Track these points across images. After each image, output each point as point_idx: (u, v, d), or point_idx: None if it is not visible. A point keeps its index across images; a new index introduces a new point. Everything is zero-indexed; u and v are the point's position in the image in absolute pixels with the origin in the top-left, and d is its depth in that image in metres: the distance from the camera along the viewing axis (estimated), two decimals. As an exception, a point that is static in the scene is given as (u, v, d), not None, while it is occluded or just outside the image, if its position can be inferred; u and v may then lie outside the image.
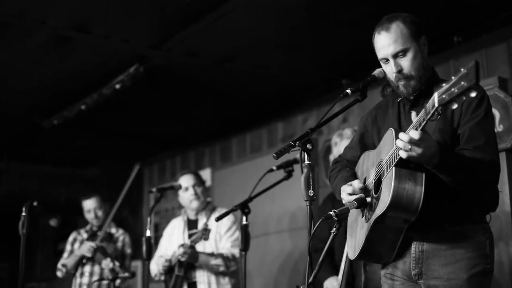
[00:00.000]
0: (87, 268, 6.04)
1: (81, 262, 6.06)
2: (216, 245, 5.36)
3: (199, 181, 5.54)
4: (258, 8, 5.04)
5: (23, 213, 5.28)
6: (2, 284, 10.54)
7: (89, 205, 6.30)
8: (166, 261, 5.25)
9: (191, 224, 5.54)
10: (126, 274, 5.44)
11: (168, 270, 5.29)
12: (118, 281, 5.49)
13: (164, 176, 9.55)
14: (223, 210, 5.30)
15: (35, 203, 5.41)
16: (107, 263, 5.78)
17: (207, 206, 5.58)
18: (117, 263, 5.78)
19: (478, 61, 2.29)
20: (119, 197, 5.88)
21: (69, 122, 7.45)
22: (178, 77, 6.51)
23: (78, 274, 6.09)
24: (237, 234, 5.37)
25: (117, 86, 6.32)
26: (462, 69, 2.31)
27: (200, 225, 5.42)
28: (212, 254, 5.25)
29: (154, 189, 5.39)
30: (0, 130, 8.12)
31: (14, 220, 5.49)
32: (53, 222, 5.92)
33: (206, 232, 4.99)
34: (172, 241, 5.54)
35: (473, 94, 2.29)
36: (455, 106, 2.36)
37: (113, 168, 5.78)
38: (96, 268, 6.01)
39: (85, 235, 6.28)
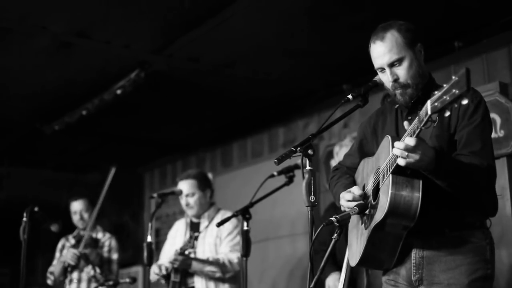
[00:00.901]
0: (74, 275, 5.93)
1: (66, 269, 5.96)
2: (216, 249, 5.30)
3: (195, 189, 5.39)
4: (259, 13, 5.05)
5: (24, 219, 5.27)
6: (3, 289, 10.54)
7: (76, 206, 6.20)
8: (160, 267, 5.21)
9: (193, 226, 5.48)
10: (126, 280, 5.40)
11: (167, 276, 5.26)
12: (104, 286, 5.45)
13: (165, 181, 9.55)
14: (228, 213, 5.27)
15: (36, 209, 5.41)
16: (88, 271, 5.70)
17: (210, 208, 5.48)
18: (98, 270, 5.65)
19: (469, 68, 2.28)
20: (99, 200, 5.83)
21: (70, 127, 7.45)
22: (179, 82, 6.51)
23: (67, 281, 5.99)
24: (238, 238, 5.25)
25: (118, 92, 6.32)
26: (453, 77, 2.32)
27: (202, 228, 5.39)
28: (206, 260, 5.16)
29: (155, 195, 5.35)
30: (1, 135, 8.12)
31: (15, 226, 5.49)
32: (54, 228, 5.86)
33: (191, 240, 4.95)
34: (175, 243, 5.49)
35: (464, 102, 2.29)
36: (447, 113, 2.37)
37: (114, 173, 5.77)
38: (84, 275, 5.90)
39: (72, 241, 6.15)
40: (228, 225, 5.22)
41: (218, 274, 5.13)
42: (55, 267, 6.01)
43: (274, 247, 7.31)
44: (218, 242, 5.29)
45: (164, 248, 5.71)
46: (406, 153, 2.61)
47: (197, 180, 5.44)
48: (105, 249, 6.06)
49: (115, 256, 6.08)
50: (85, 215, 6.19)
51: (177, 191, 5.37)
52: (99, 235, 6.16)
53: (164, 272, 5.17)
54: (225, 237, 5.30)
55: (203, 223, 5.41)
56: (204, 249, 5.26)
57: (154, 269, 5.22)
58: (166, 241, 5.75)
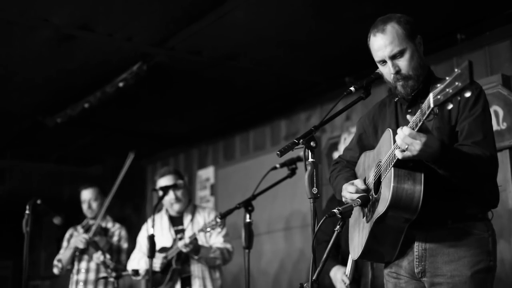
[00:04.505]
0: (83, 265, 5.94)
1: (75, 255, 5.95)
2: (206, 241, 5.40)
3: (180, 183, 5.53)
4: (261, 5, 5.05)
5: (27, 211, 5.28)
6: (5, 282, 10.55)
7: (85, 195, 6.19)
8: (164, 260, 5.25)
9: (176, 220, 5.55)
10: (129, 273, 5.41)
11: (165, 266, 5.29)
12: (113, 275, 5.45)
13: (167, 174, 9.55)
14: (206, 209, 5.61)
15: (38, 201, 5.42)
16: (97, 256, 5.65)
17: (189, 204, 5.61)
18: (108, 256, 5.62)
19: (472, 61, 2.28)
20: (113, 188, 5.80)
21: (73, 120, 7.46)
22: (181, 75, 6.51)
23: (74, 270, 5.99)
24: (226, 230, 5.48)
25: (121, 84, 6.32)
26: (456, 70, 2.32)
27: (186, 222, 5.48)
28: (211, 248, 5.30)
29: (157, 187, 5.39)
30: (4, 128, 8.13)
31: (17, 218, 5.50)
32: (56, 220, 5.87)
33: (219, 221, 4.95)
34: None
35: (467, 94, 2.29)
36: (450, 106, 2.38)
37: (116, 166, 5.77)
38: (92, 265, 5.90)
39: (81, 231, 6.15)
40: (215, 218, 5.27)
41: (218, 262, 5.31)
42: (64, 254, 5.99)
43: (275, 240, 7.31)
44: (208, 235, 5.39)
45: (139, 241, 5.70)
46: (406, 145, 2.61)
47: (177, 175, 5.59)
48: (115, 238, 6.06)
49: (125, 245, 6.08)
50: (94, 204, 6.16)
51: (179, 184, 5.40)
52: (109, 224, 6.16)
53: (164, 264, 5.24)
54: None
55: (187, 217, 5.50)
56: None
57: (156, 262, 5.23)
58: (139, 236, 5.75)
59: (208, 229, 4.98)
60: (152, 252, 4.88)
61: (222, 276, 5.54)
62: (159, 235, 5.49)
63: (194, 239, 5.10)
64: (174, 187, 5.39)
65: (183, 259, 5.26)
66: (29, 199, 5.40)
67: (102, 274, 5.81)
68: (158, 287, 5.28)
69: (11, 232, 7.18)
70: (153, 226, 4.98)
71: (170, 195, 5.45)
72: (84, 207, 6.20)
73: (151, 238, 4.88)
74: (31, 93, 6.93)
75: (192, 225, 5.44)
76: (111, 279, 5.49)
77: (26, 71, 6.30)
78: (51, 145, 9.07)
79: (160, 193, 5.42)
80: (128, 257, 6.03)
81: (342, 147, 5.16)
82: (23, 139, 8.65)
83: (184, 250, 5.10)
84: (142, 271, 5.39)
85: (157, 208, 5.27)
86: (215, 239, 5.41)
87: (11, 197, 8.95)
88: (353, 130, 5.08)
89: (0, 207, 9.29)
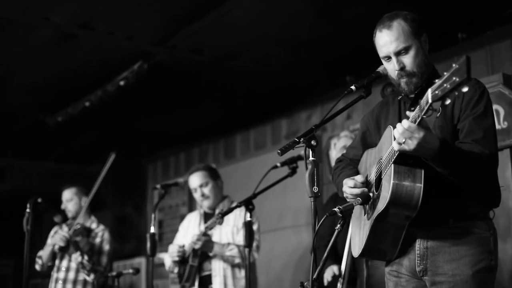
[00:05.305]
0: (64, 263, 5.89)
1: (55, 253, 5.90)
2: (233, 238, 5.31)
3: (208, 179, 5.41)
4: (262, 4, 5.05)
5: (27, 210, 5.29)
6: (6, 280, 10.56)
7: (63, 197, 6.20)
8: (180, 248, 5.20)
9: (208, 216, 5.48)
10: (129, 271, 5.40)
11: (182, 260, 5.25)
12: (91, 276, 5.45)
13: (168, 173, 9.56)
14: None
15: (39, 200, 5.43)
16: (76, 257, 5.63)
17: (224, 200, 5.49)
18: (86, 257, 5.61)
19: (469, 56, 2.29)
20: (92, 189, 5.78)
21: (73, 119, 7.46)
22: (182, 74, 6.51)
23: (55, 268, 5.95)
24: (255, 227, 5.22)
25: (121, 83, 6.32)
26: (453, 65, 2.32)
27: None
28: (228, 245, 5.19)
29: (158, 186, 5.37)
30: (4, 127, 8.14)
31: (18, 217, 5.50)
32: (57, 219, 5.88)
33: (221, 217, 4.92)
34: (187, 234, 5.50)
35: (465, 89, 2.30)
36: (448, 101, 2.37)
37: (117, 164, 5.76)
38: (73, 264, 5.84)
39: (66, 229, 6.03)
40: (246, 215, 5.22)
41: (237, 260, 5.15)
42: (44, 251, 5.97)
43: (278, 239, 7.32)
44: (235, 230, 5.31)
45: (176, 239, 5.68)
46: (403, 139, 2.60)
47: (207, 170, 5.48)
48: (98, 239, 6.00)
49: (106, 247, 5.99)
50: (69, 205, 6.14)
51: (180, 183, 5.38)
52: (93, 225, 6.11)
53: (181, 254, 5.18)
54: (242, 226, 5.31)
55: None
56: (221, 237, 5.26)
57: (172, 249, 5.20)
58: (177, 233, 5.70)
59: (212, 226, 4.96)
60: (152, 251, 4.87)
61: (252, 275, 5.28)
62: (190, 232, 5.45)
63: (203, 235, 5.05)
64: (175, 185, 5.38)
65: (201, 255, 5.21)
66: (30, 198, 5.41)
67: (82, 275, 5.81)
68: (179, 284, 5.27)
69: (12, 230, 7.19)
70: (153, 225, 4.96)
71: (198, 193, 5.41)
72: (62, 207, 6.19)
73: (152, 237, 4.86)
74: (32, 92, 6.93)
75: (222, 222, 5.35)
76: (89, 280, 5.48)
77: (26, 70, 6.31)
78: (52, 143, 9.08)
79: (191, 191, 5.41)
80: (109, 259, 6.00)
81: (332, 152, 5.16)
82: (23, 138, 8.66)
83: (195, 246, 5.08)
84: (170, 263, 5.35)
85: (193, 206, 5.18)
86: (241, 237, 5.26)
87: (12, 195, 8.95)
88: (343, 134, 5.08)
89: (0, 205, 9.30)
